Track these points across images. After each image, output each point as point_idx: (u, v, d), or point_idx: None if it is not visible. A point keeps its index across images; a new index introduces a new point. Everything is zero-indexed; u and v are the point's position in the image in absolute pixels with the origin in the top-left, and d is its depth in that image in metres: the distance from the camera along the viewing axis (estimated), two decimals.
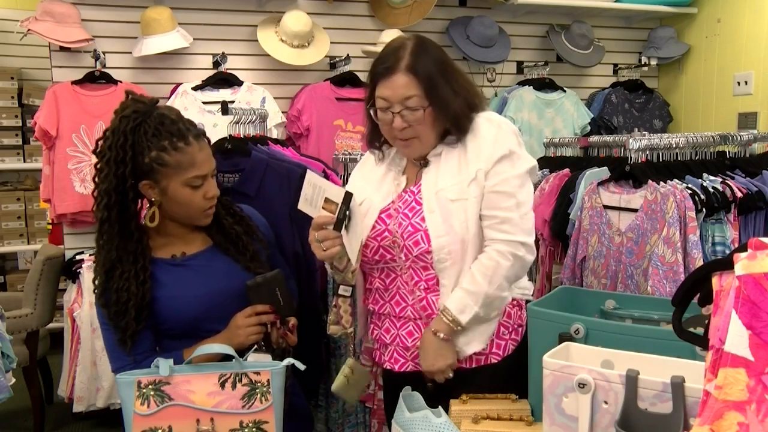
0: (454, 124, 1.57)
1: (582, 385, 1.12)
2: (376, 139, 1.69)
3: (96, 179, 1.54)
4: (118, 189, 1.51)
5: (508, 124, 1.61)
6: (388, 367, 1.67)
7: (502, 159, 1.54)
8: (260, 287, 1.60)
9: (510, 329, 1.64)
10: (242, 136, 2.30)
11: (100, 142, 1.54)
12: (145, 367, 1.48)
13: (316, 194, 1.56)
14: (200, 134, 1.57)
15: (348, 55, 3.44)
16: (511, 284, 1.60)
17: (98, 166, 1.53)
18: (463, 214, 1.54)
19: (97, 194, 1.53)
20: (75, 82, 3.14)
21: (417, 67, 1.51)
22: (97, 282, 1.57)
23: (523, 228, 1.56)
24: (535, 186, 2.66)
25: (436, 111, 1.54)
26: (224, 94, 3.26)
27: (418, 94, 1.52)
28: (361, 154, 2.48)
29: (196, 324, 1.59)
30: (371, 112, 1.60)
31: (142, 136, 1.50)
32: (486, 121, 1.59)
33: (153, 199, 1.56)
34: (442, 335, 1.54)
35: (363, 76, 3.53)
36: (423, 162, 1.62)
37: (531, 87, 3.76)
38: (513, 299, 1.65)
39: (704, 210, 2.09)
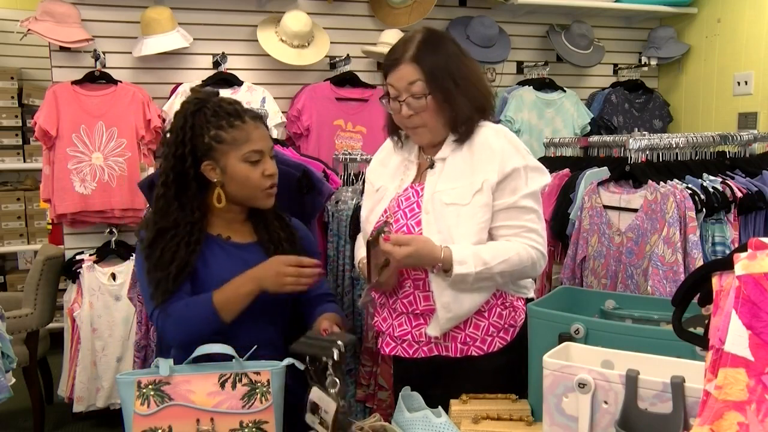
0: (455, 120, 1.60)
1: (582, 385, 1.12)
2: (394, 125, 1.73)
3: (162, 158, 1.65)
4: (176, 168, 1.60)
5: (516, 138, 1.64)
6: (382, 352, 1.74)
7: (514, 174, 1.57)
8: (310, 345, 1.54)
9: (499, 328, 1.64)
10: None
11: (168, 125, 1.64)
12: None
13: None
14: (257, 116, 1.67)
15: (348, 55, 3.45)
16: (509, 282, 1.63)
17: (163, 147, 1.68)
18: (456, 218, 1.56)
19: (161, 172, 1.64)
20: (75, 82, 3.14)
21: (421, 57, 1.57)
22: (146, 234, 1.62)
23: (546, 242, 1.62)
24: None
25: (438, 100, 1.57)
26: (224, 94, 3.24)
27: (421, 79, 1.56)
28: (362, 154, 2.48)
29: None
30: (383, 102, 1.67)
31: (201, 118, 1.60)
32: (494, 132, 1.61)
33: (215, 180, 1.62)
34: (441, 262, 1.51)
35: (363, 76, 3.54)
36: (430, 163, 1.66)
37: (531, 87, 3.77)
38: (506, 300, 1.65)
39: (704, 210, 2.08)
